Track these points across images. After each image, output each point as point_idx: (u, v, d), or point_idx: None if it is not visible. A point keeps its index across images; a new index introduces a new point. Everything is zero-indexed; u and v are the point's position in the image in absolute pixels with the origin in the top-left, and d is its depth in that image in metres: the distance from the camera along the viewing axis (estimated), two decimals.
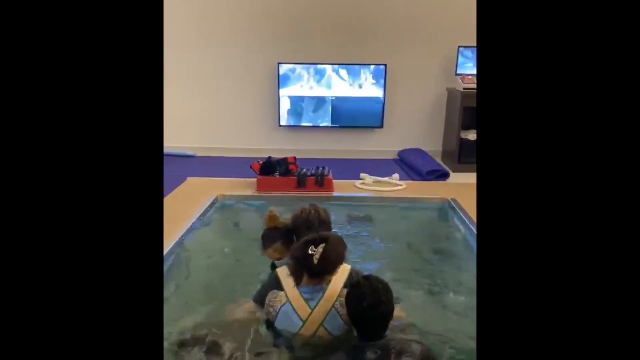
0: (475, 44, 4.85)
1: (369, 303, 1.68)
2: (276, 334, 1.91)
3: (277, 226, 2.24)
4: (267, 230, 2.27)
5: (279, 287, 1.97)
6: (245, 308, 2.11)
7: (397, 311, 2.05)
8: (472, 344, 1.92)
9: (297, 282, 1.91)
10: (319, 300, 1.85)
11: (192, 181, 4.37)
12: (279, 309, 1.89)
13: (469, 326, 2.07)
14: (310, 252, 1.77)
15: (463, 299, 2.39)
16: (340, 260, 1.88)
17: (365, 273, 1.98)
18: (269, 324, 1.95)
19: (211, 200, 3.74)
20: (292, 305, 1.87)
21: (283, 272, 2.01)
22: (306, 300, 1.86)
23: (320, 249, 1.77)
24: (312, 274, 1.85)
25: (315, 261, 1.77)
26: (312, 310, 1.85)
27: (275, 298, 1.92)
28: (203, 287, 2.54)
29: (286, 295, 1.90)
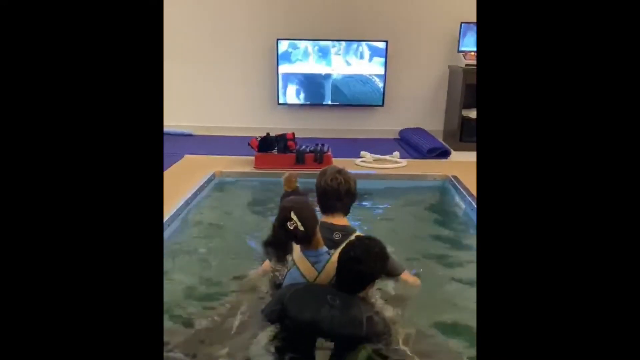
0: None
1: (354, 255, 1.70)
2: None
3: (296, 190, 2.22)
4: (288, 193, 2.25)
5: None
6: (264, 267, 2.12)
7: (409, 275, 2.10)
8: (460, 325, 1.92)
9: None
10: (326, 263, 1.84)
11: (189, 158, 4.31)
12: (286, 274, 1.90)
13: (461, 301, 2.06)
14: (291, 228, 1.74)
15: (461, 274, 2.36)
16: (312, 210, 1.85)
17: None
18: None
19: (209, 177, 3.70)
20: (298, 268, 1.87)
21: None
22: (312, 264, 1.86)
23: (294, 217, 1.74)
24: (305, 241, 1.84)
25: (302, 228, 1.74)
26: (319, 273, 1.84)
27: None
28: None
29: (293, 260, 1.89)
